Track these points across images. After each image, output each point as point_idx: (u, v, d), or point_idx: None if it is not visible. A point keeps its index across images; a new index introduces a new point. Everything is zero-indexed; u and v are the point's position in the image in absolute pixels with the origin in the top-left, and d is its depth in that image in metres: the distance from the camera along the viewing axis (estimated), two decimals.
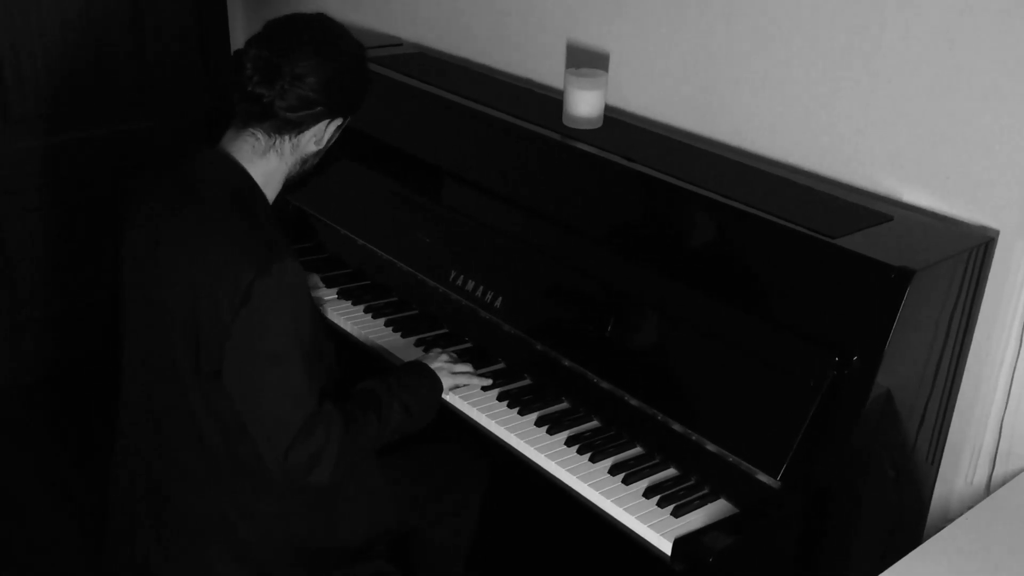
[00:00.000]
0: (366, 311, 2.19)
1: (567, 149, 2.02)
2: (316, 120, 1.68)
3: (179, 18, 3.25)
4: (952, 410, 1.82)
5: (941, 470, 1.86)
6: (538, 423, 1.83)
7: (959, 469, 1.83)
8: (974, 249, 1.65)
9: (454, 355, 1.93)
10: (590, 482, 1.69)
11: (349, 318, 2.17)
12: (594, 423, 1.85)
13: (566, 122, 2.10)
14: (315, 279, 2.28)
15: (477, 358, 2.02)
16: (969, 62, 1.65)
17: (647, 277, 1.82)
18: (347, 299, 2.24)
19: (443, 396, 1.87)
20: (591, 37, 2.26)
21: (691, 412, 1.70)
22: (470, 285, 2.07)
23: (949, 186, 1.73)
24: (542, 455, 1.76)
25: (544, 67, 2.37)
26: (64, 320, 3.30)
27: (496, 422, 1.84)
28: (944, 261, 1.60)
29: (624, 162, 1.92)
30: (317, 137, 1.71)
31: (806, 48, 1.87)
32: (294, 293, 1.56)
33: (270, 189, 1.71)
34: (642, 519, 1.61)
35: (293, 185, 1.78)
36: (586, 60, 2.27)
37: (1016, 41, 1.59)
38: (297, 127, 1.66)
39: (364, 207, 2.36)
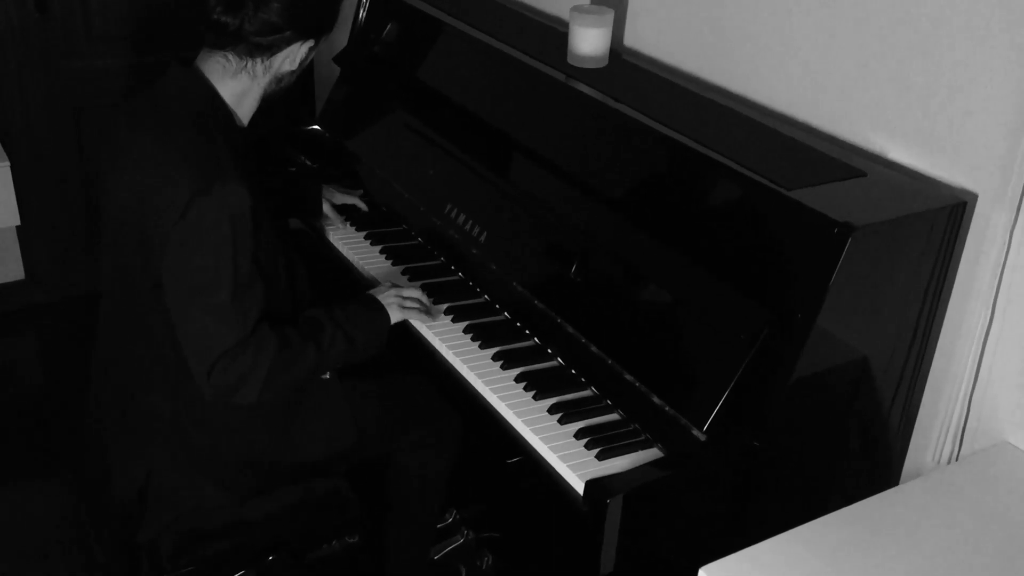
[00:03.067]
0: (366, 237, 2.23)
1: (556, 86, 1.99)
2: (287, 43, 1.69)
3: None
4: (923, 383, 1.72)
5: (911, 446, 1.77)
6: (495, 357, 1.83)
7: (928, 446, 1.73)
8: (943, 211, 1.55)
9: (416, 291, 1.93)
10: (524, 418, 1.68)
11: (347, 242, 2.21)
12: (554, 363, 1.83)
13: (570, 60, 2.06)
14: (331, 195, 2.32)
15: (463, 291, 2.03)
16: (962, 9, 1.53)
17: (610, 219, 1.79)
18: (352, 224, 2.28)
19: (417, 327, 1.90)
20: None
21: (637, 360, 1.67)
22: (461, 219, 2.08)
23: (932, 144, 1.62)
24: (487, 387, 1.76)
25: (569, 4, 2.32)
26: None
27: (453, 352, 1.85)
28: (900, 220, 1.51)
29: (607, 101, 1.88)
30: (291, 59, 1.73)
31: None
32: (233, 217, 1.58)
33: (243, 108, 1.74)
34: (563, 458, 1.59)
35: (273, 102, 1.80)
36: (608, 1, 2.22)
37: None
38: (268, 50, 1.68)
39: (383, 136, 2.39)
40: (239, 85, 1.72)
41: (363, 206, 2.33)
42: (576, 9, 2.02)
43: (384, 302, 1.88)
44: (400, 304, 1.88)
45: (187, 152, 1.61)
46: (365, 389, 1.97)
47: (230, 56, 1.68)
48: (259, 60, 1.70)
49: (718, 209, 1.65)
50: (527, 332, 1.91)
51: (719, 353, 1.55)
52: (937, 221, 1.55)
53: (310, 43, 1.74)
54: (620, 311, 1.73)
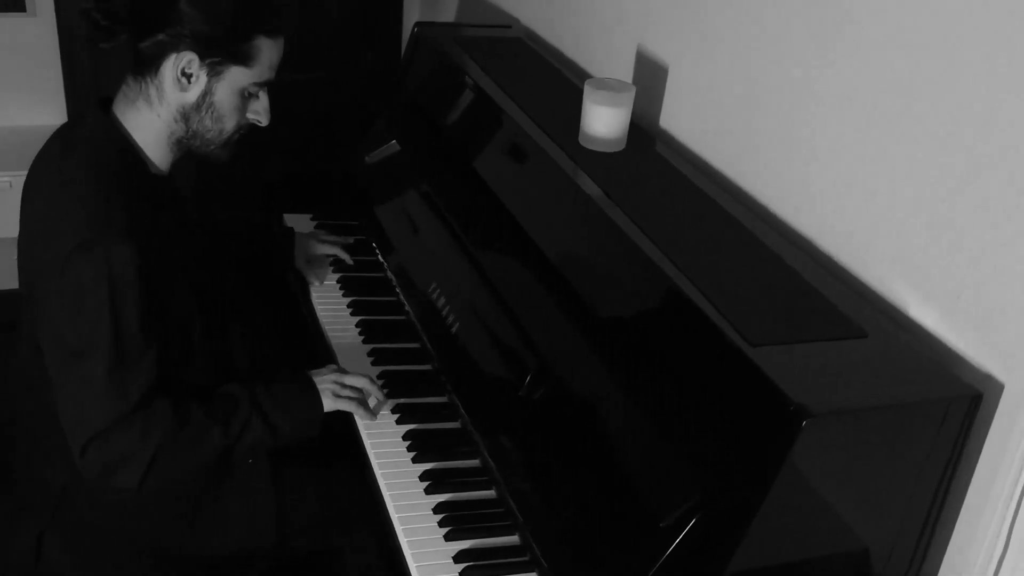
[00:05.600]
0: (349, 305, 2.01)
1: (554, 170, 1.72)
2: (163, 52, 1.44)
3: None
4: None
5: None
6: (423, 476, 1.58)
7: None
8: (952, 402, 1.20)
9: (361, 380, 1.69)
10: (419, 563, 1.43)
11: (325, 306, 2.00)
12: (490, 494, 1.57)
13: (581, 141, 1.79)
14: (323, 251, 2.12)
15: (426, 386, 1.79)
16: (1015, 158, 1.18)
17: (570, 336, 1.52)
18: (342, 288, 2.07)
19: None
20: (656, 44, 1.91)
21: (549, 521, 1.39)
22: (441, 301, 1.84)
23: (957, 311, 1.27)
24: (396, 513, 1.51)
25: (617, 70, 2.05)
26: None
27: (378, 461, 1.61)
28: (883, 409, 1.17)
29: (597, 197, 1.60)
30: (181, 81, 1.46)
31: (847, 114, 1.45)
32: (113, 277, 1.39)
33: (154, 150, 1.53)
34: None
35: (207, 158, 1.60)
36: (648, 72, 1.94)
37: None
38: (151, 64, 1.45)
39: (397, 194, 2.18)
40: (139, 117, 1.50)
41: (346, 258, 2.11)
42: (592, 83, 1.75)
43: (319, 386, 1.65)
44: (335, 392, 1.65)
45: (78, 207, 1.44)
46: (301, 475, 1.76)
47: (129, 80, 1.49)
48: (148, 80, 1.47)
49: (679, 353, 1.34)
50: (481, 447, 1.64)
51: (641, 535, 1.25)
52: (949, 413, 1.20)
53: (189, 56, 1.45)
54: (555, 448, 1.45)
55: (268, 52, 1.51)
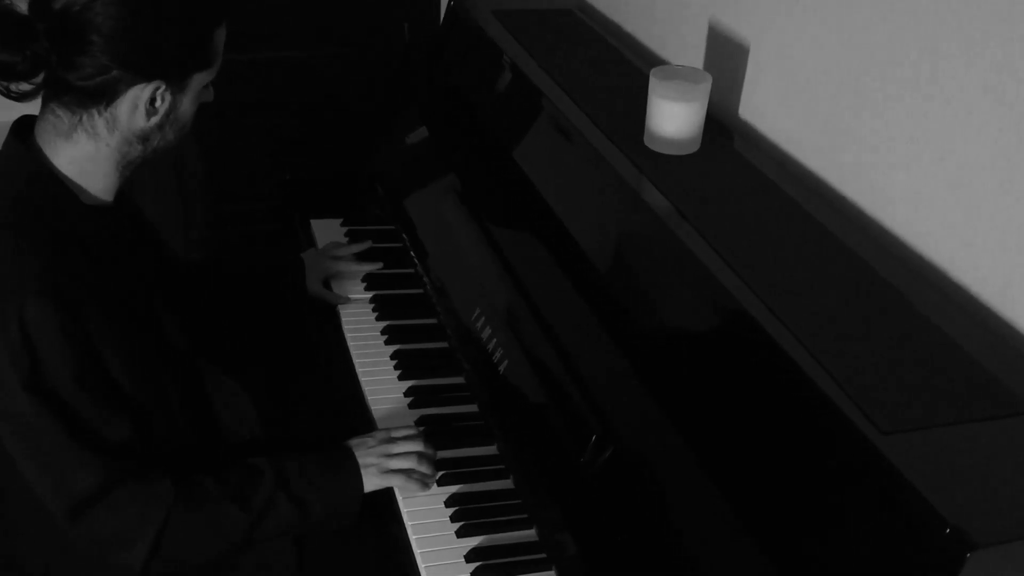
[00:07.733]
0: (384, 331, 1.76)
1: (615, 180, 1.44)
2: (121, 86, 1.22)
3: None
4: None
5: None
6: (470, 556, 1.33)
7: None
8: None
9: (414, 445, 1.44)
10: None
11: (357, 335, 1.75)
12: (549, 575, 1.32)
13: (647, 142, 1.50)
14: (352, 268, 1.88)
15: (472, 432, 1.55)
16: None
17: (638, 393, 1.25)
18: (376, 310, 1.81)
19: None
20: (734, 19, 1.61)
21: None
22: (486, 333, 1.58)
23: None
24: None
25: (686, 51, 1.76)
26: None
27: (416, 536, 1.36)
28: None
29: (667, 216, 1.32)
30: (140, 109, 1.25)
31: (991, 125, 1.14)
32: (34, 344, 1.18)
33: (93, 180, 1.30)
34: None
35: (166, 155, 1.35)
36: (723, 52, 1.63)
37: None
38: (101, 98, 1.23)
39: (433, 198, 1.91)
40: (77, 150, 1.27)
41: (361, 271, 1.86)
42: (659, 73, 1.45)
43: (361, 461, 1.41)
44: (381, 468, 1.40)
45: None
46: (330, 555, 1.54)
47: (58, 111, 1.25)
48: (95, 112, 1.24)
49: (781, 436, 1.07)
50: (531, 518, 1.39)
51: None
52: None
53: (155, 84, 1.24)
54: (623, 532, 1.19)
55: (222, 39, 1.31)
